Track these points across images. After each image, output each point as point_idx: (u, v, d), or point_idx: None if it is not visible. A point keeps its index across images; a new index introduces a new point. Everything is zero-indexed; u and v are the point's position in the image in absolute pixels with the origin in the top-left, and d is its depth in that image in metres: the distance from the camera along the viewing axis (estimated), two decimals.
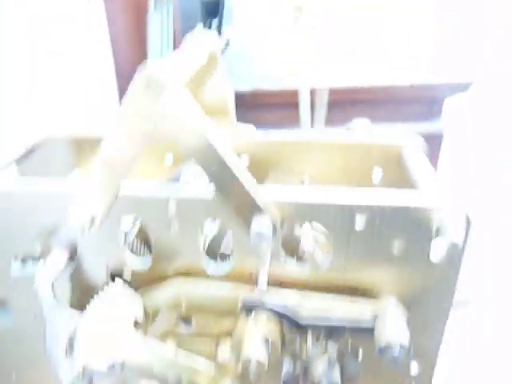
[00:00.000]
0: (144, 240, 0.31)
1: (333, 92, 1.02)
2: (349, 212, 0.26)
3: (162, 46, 0.51)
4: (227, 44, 0.39)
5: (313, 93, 0.98)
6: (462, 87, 1.04)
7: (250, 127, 0.36)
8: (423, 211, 0.26)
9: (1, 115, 0.84)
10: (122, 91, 1.03)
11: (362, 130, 0.48)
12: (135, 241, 0.31)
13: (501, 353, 0.89)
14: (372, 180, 0.35)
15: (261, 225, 0.26)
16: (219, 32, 0.39)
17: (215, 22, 0.40)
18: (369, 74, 1.02)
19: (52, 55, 0.91)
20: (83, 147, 0.38)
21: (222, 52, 0.37)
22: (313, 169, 0.35)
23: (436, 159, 1.09)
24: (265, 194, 0.26)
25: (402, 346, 0.25)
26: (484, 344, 0.93)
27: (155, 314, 0.31)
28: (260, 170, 0.36)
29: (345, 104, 1.04)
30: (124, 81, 1.12)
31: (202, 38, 0.33)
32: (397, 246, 0.27)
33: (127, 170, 0.27)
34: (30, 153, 0.38)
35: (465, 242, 0.25)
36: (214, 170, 0.26)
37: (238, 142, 0.36)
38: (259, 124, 1.07)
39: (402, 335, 0.26)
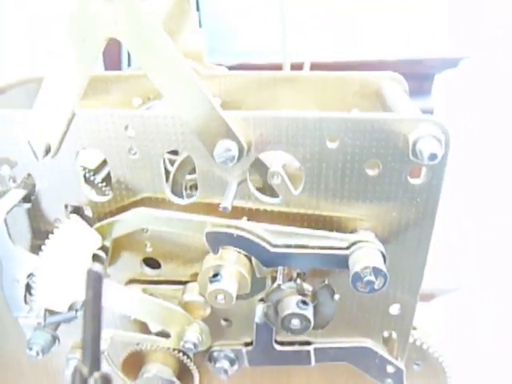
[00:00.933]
0: (104, 174, 0.29)
1: (321, 65, 1.00)
2: (320, 129, 0.24)
3: None
4: None
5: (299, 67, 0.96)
6: (452, 62, 1.02)
7: (223, 68, 0.34)
8: (400, 122, 0.24)
9: None
10: None
11: None
12: (94, 175, 0.29)
13: (490, 339, 0.88)
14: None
15: (227, 145, 0.24)
16: None
17: None
18: (357, 49, 1.00)
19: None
20: None
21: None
22: (288, 106, 0.33)
23: None
24: (231, 114, 0.25)
25: (376, 269, 0.23)
26: (474, 331, 0.92)
27: (117, 250, 0.29)
28: (231, 103, 0.34)
29: None
30: None
31: None
32: (372, 167, 0.25)
33: (78, 93, 0.25)
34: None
35: (444, 156, 0.23)
36: (176, 85, 0.24)
37: (212, 82, 0.34)
38: None
39: (377, 261, 0.24)
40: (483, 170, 1.39)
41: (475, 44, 1.11)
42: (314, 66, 0.95)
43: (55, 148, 0.26)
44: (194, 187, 0.30)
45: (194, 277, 0.29)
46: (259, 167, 0.27)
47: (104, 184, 0.30)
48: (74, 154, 0.27)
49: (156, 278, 0.30)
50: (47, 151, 0.26)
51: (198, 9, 1.12)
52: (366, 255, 0.25)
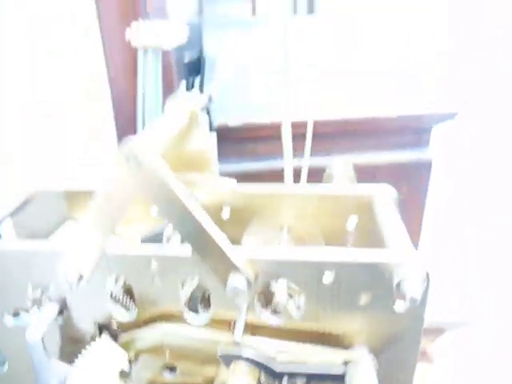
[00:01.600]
0: (128, 293, 0.33)
1: (323, 123, 1.04)
2: (317, 268, 0.28)
3: (153, 100, 0.54)
4: (210, 100, 0.41)
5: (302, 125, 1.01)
6: (449, 116, 1.06)
7: (231, 180, 0.39)
8: (385, 267, 0.28)
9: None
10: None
11: (341, 172, 0.51)
12: (120, 294, 0.33)
13: (500, 372, 0.90)
14: (346, 227, 0.38)
15: (236, 281, 0.28)
16: (201, 89, 0.41)
17: (198, 79, 0.42)
18: (357, 106, 1.04)
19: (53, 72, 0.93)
20: (73, 199, 0.40)
21: (204, 109, 0.39)
22: (290, 219, 0.37)
23: (426, 186, 1.12)
24: (239, 252, 0.29)
25: None
26: (484, 364, 0.94)
27: (138, 355, 0.33)
28: (241, 220, 0.38)
29: (335, 134, 1.06)
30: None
31: (183, 99, 0.36)
32: (363, 298, 0.29)
33: (111, 232, 0.29)
34: (23, 205, 0.40)
35: (424, 295, 0.27)
36: (191, 232, 0.28)
37: (219, 194, 0.38)
38: (251, 155, 1.10)
39: (372, 381, 0.28)
40: (487, 217, 1.42)
41: (471, 96, 1.16)
42: (323, 124, 1.01)
43: (87, 278, 0.30)
44: (207, 300, 0.34)
45: (209, 379, 0.33)
46: (266, 293, 0.31)
47: (128, 300, 0.34)
48: (103, 280, 0.31)
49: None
50: (79, 280, 0.30)
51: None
52: (361, 376, 0.28)
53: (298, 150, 1.03)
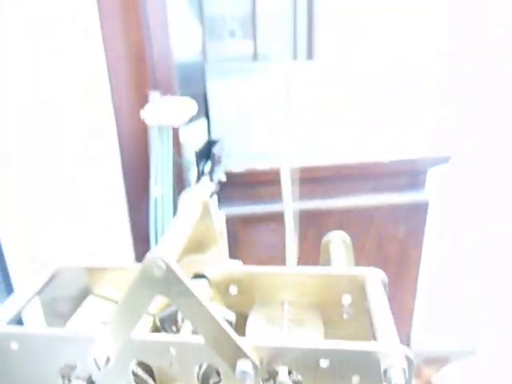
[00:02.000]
0: (149, 372, 0.37)
1: (324, 168, 1.09)
2: (314, 354, 0.32)
3: (162, 175, 0.59)
4: (219, 183, 0.46)
5: (303, 169, 1.05)
6: (443, 160, 1.11)
7: (238, 262, 0.43)
8: (373, 355, 0.32)
9: None
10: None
11: (339, 242, 0.55)
12: (142, 373, 0.37)
13: None
14: (341, 302, 0.42)
15: (244, 366, 0.33)
16: (211, 176, 0.46)
17: (208, 163, 0.47)
18: (354, 153, 1.09)
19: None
20: (94, 275, 0.45)
21: (213, 195, 0.44)
22: (290, 295, 0.42)
23: (423, 226, 1.16)
24: (246, 341, 0.33)
25: None
26: None
27: None
28: (247, 295, 0.42)
29: (335, 178, 1.11)
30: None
31: (196, 192, 0.40)
32: (355, 381, 0.33)
33: (135, 322, 0.33)
34: (49, 282, 0.44)
35: (409, 380, 0.31)
36: (206, 327, 0.32)
37: (227, 272, 0.43)
38: (255, 198, 1.14)
39: None
40: (485, 244, 1.45)
41: (463, 142, 1.20)
42: (324, 168, 1.06)
43: (114, 361, 0.35)
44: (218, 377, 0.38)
45: None
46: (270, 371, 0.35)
47: (148, 378, 0.38)
48: (127, 361, 0.35)
49: None
50: (107, 363, 0.35)
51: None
52: None
53: (300, 194, 1.08)
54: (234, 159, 1.05)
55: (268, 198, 1.09)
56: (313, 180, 1.13)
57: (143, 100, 1.14)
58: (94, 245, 1.10)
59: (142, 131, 1.12)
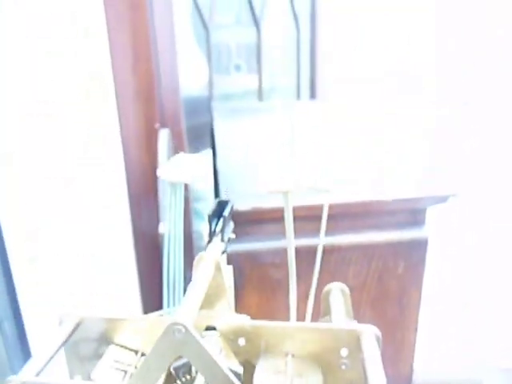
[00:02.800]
0: None
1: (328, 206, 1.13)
2: None
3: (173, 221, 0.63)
4: (229, 240, 0.51)
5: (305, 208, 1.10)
6: (442, 199, 1.15)
7: (245, 316, 0.47)
8: None
9: None
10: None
11: (338, 292, 0.59)
12: None
13: None
14: (340, 355, 0.46)
15: None
16: (222, 236, 0.50)
17: (220, 223, 0.51)
18: (357, 190, 1.14)
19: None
20: (115, 326, 0.49)
21: (224, 253, 0.48)
22: (293, 348, 0.46)
23: (423, 262, 1.19)
24: None
25: None
26: None
27: None
28: (254, 347, 0.46)
29: (337, 216, 1.15)
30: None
31: (210, 258, 0.45)
32: None
33: (158, 378, 0.38)
34: (73, 332, 0.48)
35: None
36: (217, 381, 0.36)
37: (236, 326, 0.47)
38: (260, 235, 1.18)
39: None
40: (485, 277, 1.47)
41: (462, 181, 1.24)
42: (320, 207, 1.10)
43: None
44: None
45: None
46: None
47: None
48: None
49: None
50: None
51: (214, 154, 1.28)
52: None
53: (304, 231, 1.12)
54: (241, 198, 1.10)
55: (272, 235, 1.13)
56: (316, 218, 1.16)
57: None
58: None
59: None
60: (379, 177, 1.20)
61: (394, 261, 1.18)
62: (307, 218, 1.14)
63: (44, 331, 0.96)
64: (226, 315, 0.47)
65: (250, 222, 1.12)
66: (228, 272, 0.51)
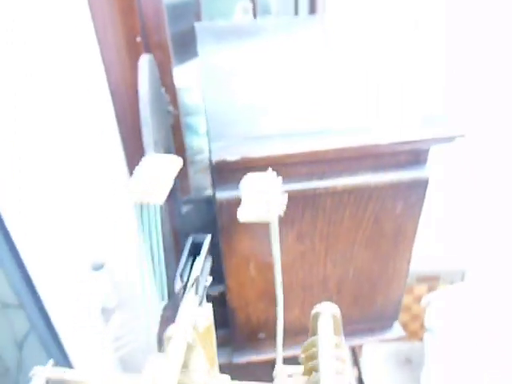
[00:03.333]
0: None
1: (324, 152, 1.06)
2: None
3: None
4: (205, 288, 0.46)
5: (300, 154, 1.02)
6: (448, 139, 1.07)
7: (226, 377, 0.44)
8: None
9: None
10: None
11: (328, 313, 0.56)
12: None
13: None
14: None
15: None
16: (196, 289, 0.44)
17: (193, 273, 0.46)
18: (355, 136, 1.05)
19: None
20: None
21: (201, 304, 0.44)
22: None
23: (422, 203, 1.15)
24: None
25: None
26: None
27: None
28: None
29: (331, 159, 1.08)
30: None
31: (180, 336, 0.40)
32: None
33: None
34: None
35: None
36: None
37: None
38: None
39: None
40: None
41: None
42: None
43: None
44: None
45: None
46: None
47: None
48: None
49: None
50: None
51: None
52: None
53: (298, 175, 1.06)
54: (230, 146, 1.02)
55: None
56: (311, 163, 1.10)
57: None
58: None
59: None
60: (382, 113, 1.10)
61: (392, 202, 1.13)
62: (302, 163, 1.07)
63: None
64: (202, 376, 0.44)
65: (240, 170, 1.05)
66: (207, 311, 0.47)
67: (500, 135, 1.44)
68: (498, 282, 2.11)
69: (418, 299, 2.38)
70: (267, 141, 1.03)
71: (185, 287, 0.45)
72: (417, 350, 2.09)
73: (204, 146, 1.81)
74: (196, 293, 0.44)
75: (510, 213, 1.87)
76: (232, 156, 0.99)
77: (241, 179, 1.07)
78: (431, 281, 2.38)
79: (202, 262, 0.48)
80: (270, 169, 0.72)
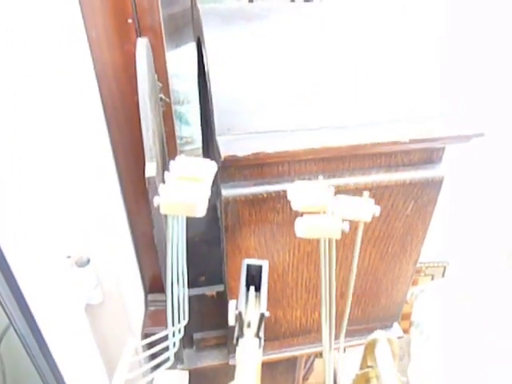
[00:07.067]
0: None
1: (333, 148, 1.00)
2: None
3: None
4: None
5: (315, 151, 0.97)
6: (465, 138, 1.03)
7: None
8: None
9: None
10: None
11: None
12: None
13: None
14: None
15: None
16: (258, 329, 0.38)
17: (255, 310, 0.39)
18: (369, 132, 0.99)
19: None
20: None
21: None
22: None
23: (434, 203, 1.11)
24: None
25: None
26: None
27: None
28: None
29: (345, 157, 1.03)
30: None
31: None
32: None
33: None
34: None
35: None
36: None
37: None
38: (259, 179, 1.05)
39: None
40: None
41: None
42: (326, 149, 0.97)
43: None
44: None
45: None
46: None
47: None
48: None
49: None
50: None
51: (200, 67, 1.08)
52: None
53: (308, 172, 1.01)
54: (239, 141, 0.95)
55: (272, 179, 1.02)
56: (323, 160, 1.04)
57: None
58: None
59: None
60: (396, 109, 1.04)
61: (403, 201, 1.09)
62: (314, 160, 1.01)
63: None
64: None
65: (249, 166, 0.99)
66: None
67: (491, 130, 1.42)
68: (482, 276, 2.12)
69: None
70: (278, 136, 0.96)
71: (241, 323, 0.38)
72: (404, 345, 2.09)
73: (196, 137, 1.73)
74: (257, 335, 0.37)
75: (491, 204, 1.87)
76: (242, 151, 0.92)
77: (248, 176, 1.00)
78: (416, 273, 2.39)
79: (265, 297, 0.41)
80: (320, 177, 0.65)
